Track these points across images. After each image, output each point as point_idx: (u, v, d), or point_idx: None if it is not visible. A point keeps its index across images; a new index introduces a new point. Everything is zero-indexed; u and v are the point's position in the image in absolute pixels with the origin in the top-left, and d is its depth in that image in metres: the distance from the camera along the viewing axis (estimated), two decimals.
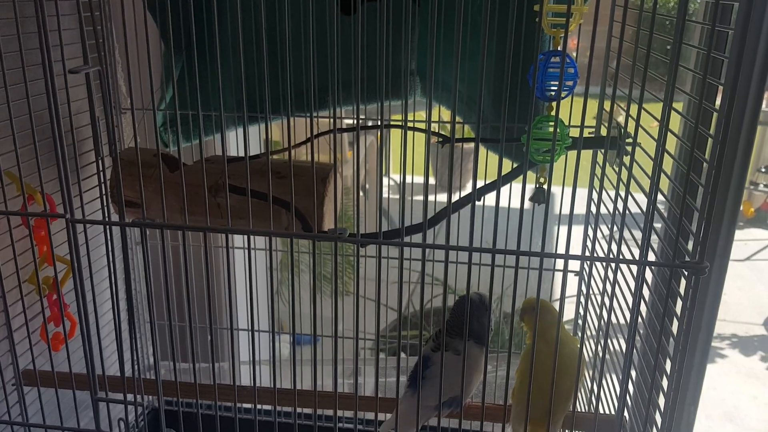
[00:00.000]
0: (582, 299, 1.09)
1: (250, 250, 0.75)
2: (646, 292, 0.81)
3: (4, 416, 0.97)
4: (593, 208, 1.01)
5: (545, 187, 0.89)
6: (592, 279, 1.05)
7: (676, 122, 0.82)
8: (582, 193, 0.86)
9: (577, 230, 0.84)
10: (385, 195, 1.45)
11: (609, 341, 0.86)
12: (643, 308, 0.82)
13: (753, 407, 2.66)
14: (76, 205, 0.78)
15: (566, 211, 0.75)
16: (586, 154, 0.95)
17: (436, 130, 1.12)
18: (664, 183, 0.79)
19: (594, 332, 1.02)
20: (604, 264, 0.85)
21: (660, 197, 0.73)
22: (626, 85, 0.81)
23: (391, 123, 1.09)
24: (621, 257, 0.77)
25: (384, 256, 0.91)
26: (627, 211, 0.76)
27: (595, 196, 1.02)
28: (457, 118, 1.16)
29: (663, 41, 0.80)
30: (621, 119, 0.90)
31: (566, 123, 0.88)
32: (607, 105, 0.98)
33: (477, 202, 0.80)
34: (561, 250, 0.71)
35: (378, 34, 0.64)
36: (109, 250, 0.80)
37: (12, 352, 0.90)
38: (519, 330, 1.19)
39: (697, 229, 0.66)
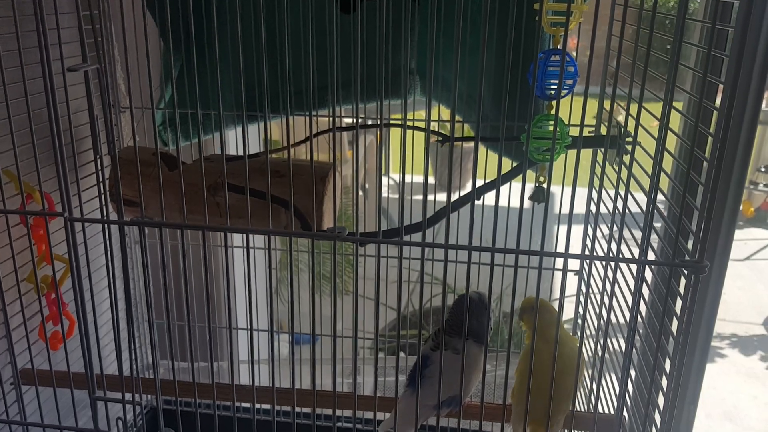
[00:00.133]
0: (581, 298, 1.09)
1: (248, 249, 0.75)
2: (645, 291, 0.80)
3: (2, 415, 0.97)
4: (593, 208, 1.01)
5: (545, 186, 0.89)
6: (591, 278, 1.05)
7: (676, 121, 0.82)
8: (582, 192, 0.86)
9: (577, 229, 0.84)
10: (384, 194, 1.44)
11: (608, 340, 0.85)
12: (642, 308, 0.81)
13: (753, 407, 2.66)
14: (74, 204, 0.78)
15: (566, 210, 0.75)
16: (586, 153, 0.95)
17: (436, 129, 1.12)
18: (664, 182, 0.79)
19: (593, 331, 1.02)
20: (604, 263, 0.85)
21: (660, 196, 0.73)
22: (626, 84, 0.81)
23: (391, 122, 1.09)
24: (621, 256, 0.76)
25: (383, 255, 0.91)
26: (627, 210, 0.76)
27: (594, 195, 1.01)
28: (457, 117, 1.16)
29: (663, 40, 0.80)
30: (621, 118, 0.90)
31: (566, 122, 0.88)
32: (607, 104, 0.98)
33: (477, 202, 0.80)
34: (561, 249, 0.71)
35: (377, 33, 0.64)
36: (107, 248, 0.80)
37: (10, 351, 0.90)
38: (518, 329, 1.19)
39: (697, 227, 0.66)
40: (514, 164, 0.96)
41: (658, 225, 0.85)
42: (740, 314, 3.36)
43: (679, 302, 0.71)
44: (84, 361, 0.83)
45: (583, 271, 1.11)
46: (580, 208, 0.88)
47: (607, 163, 0.95)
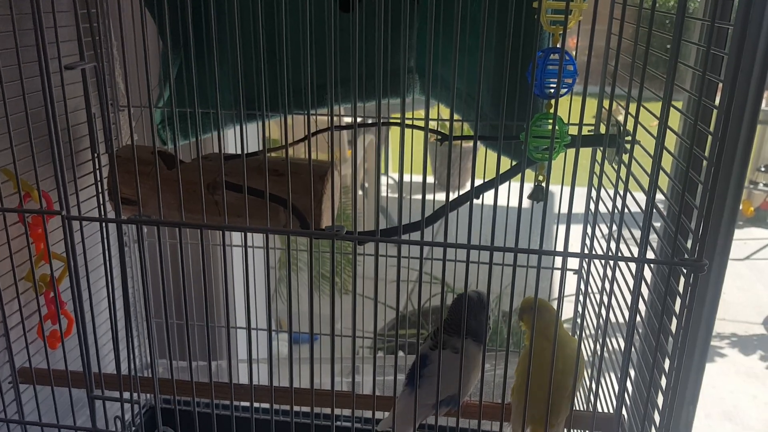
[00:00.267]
0: (581, 298, 1.09)
1: (246, 248, 0.75)
2: (645, 290, 0.80)
3: (0, 414, 0.97)
4: (592, 207, 1.00)
5: (544, 185, 0.89)
6: (590, 277, 1.05)
7: (675, 120, 0.82)
8: (581, 191, 0.86)
9: (576, 229, 0.83)
10: (384, 194, 1.44)
11: (608, 340, 0.85)
12: (642, 307, 0.81)
13: (752, 406, 2.66)
14: (72, 203, 0.78)
15: (565, 209, 0.75)
16: (585, 152, 0.95)
17: (435, 128, 1.12)
18: (664, 181, 0.78)
19: (593, 331, 1.02)
20: (603, 262, 0.85)
21: (659, 195, 0.72)
22: (626, 83, 0.81)
23: (390, 121, 1.09)
24: (620, 255, 0.76)
25: (382, 254, 0.91)
26: (626, 209, 0.76)
27: (594, 194, 1.01)
28: (456, 116, 1.16)
29: (663, 39, 0.80)
30: (620, 117, 0.90)
31: (565, 121, 0.88)
32: (606, 103, 0.98)
33: (476, 201, 0.79)
34: (560, 248, 0.70)
35: (376, 31, 0.64)
36: (105, 247, 0.80)
37: (8, 349, 0.90)
38: (517, 329, 1.19)
39: (696, 226, 0.66)
40: (514, 163, 0.96)
41: (657, 224, 0.85)
42: (740, 314, 3.36)
43: (678, 301, 0.70)
44: (82, 360, 0.83)
45: (582, 270, 1.11)
46: (579, 207, 0.88)
47: (606, 162, 0.95)
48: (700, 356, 0.82)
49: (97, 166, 0.80)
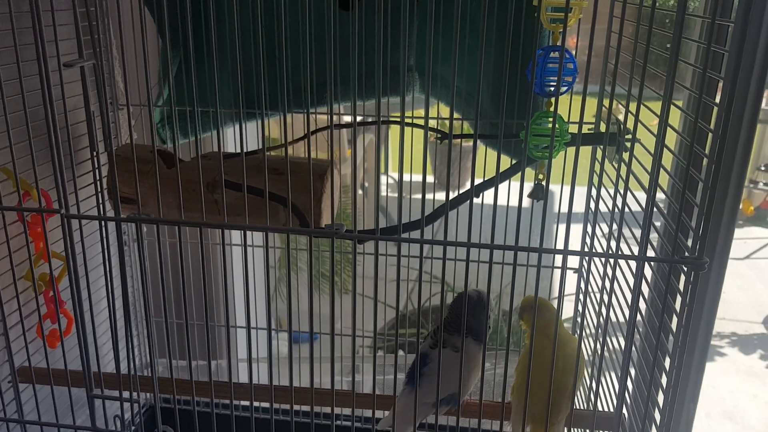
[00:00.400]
0: (581, 296, 1.09)
1: (246, 247, 0.75)
2: (645, 289, 0.80)
3: (0, 413, 0.97)
4: (592, 205, 1.00)
5: (544, 183, 0.89)
6: (591, 276, 1.05)
7: (675, 118, 0.82)
8: (581, 189, 0.86)
9: (576, 227, 0.83)
10: (384, 193, 1.44)
11: (608, 338, 0.85)
12: (642, 305, 0.81)
13: (752, 406, 2.66)
14: (72, 202, 0.78)
15: (565, 207, 0.75)
16: (585, 151, 0.95)
17: (435, 127, 1.11)
18: (664, 179, 0.78)
19: (593, 329, 1.02)
20: (603, 260, 0.85)
21: (659, 194, 0.72)
22: (626, 82, 0.81)
23: (390, 119, 1.09)
24: (620, 253, 0.76)
25: (382, 253, 0.91)
26: (626, 208, 0.76)
27: (594, 192, 1.01)
28: (456, 115, 1.16)
29: (663, 37, 0.80)
30: (621, 116, 0.90)
31: (565, 119, 0.88)
32: (606, 101, 0.97)
33: (476, 199, 0.79)
34: (560, 246, 0.70)
35: (376, 30, 0.64)
36: (104, 246, 0.80)
37: (8, 349, 0.90)
38: (517, 328, 1.19)
39: (697, 224, 0.66)
40: (514, 162, 0.96)
41: (657, 223, 0.85)
42: (740, 313, 3.36)
43: (678, 300, 0.70)
44: (82, 359, 0.83)
45: (583, 269, 1.10)
46: (579, 205, 0.88)
47: (606, 161, 0.94)
48: (700, 355, 0.82)
49: (96, 165, 0.80)
